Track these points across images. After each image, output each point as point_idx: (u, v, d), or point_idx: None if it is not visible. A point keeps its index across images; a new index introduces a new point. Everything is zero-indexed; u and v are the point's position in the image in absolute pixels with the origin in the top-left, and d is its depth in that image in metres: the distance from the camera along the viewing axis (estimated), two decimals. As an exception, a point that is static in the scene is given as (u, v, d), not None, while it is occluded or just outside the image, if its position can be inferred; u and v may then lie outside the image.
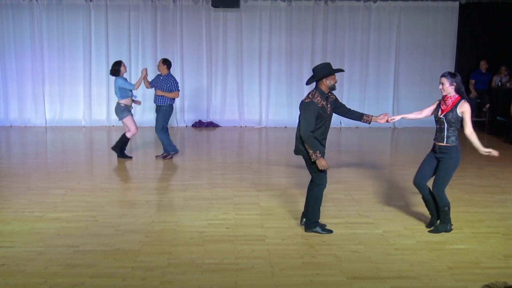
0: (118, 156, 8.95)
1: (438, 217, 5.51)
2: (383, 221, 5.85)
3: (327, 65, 5.27)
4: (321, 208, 5.53)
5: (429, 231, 5.52)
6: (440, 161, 5.34)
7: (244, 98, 13.28)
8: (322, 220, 5.70)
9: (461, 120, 5.23)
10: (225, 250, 4.99)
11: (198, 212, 6.11)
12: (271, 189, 7.18)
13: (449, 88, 5.21)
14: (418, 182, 5.49)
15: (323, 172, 5.28)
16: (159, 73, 9.07)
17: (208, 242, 5.18)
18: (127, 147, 9.15)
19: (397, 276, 4.46)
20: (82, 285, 4.25)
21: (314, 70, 5.29)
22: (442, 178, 5.34)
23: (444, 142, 5.26)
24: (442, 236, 5.38)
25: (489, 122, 12.44)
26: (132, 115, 8.92)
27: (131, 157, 9.02)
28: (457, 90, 5.22)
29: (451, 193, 6.97)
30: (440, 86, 5.26)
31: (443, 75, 5.25)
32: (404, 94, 13.30)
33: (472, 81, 12.75)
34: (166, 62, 9.01)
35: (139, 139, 10.70)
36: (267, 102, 13.25)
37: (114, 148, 8.96)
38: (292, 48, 13.09)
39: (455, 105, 5.20)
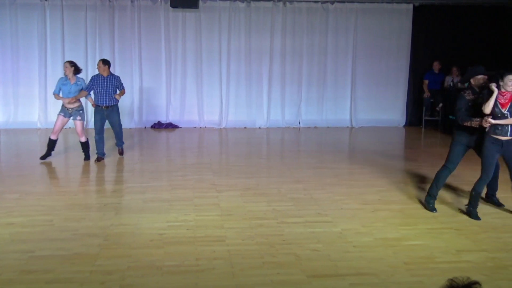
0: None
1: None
2: (342, 219, 5.96)
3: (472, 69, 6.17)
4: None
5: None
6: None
7: (204, 98, 13.23)
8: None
9: None
10: (186, 251, 4.98)
11: (158, 214, 6.07)
12: (231, 189, 7.19)
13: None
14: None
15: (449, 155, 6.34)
16: (97, 74, 8.84)
17: (168, 244, 5.16)
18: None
19: (356, 273, 4.56)
20: (38, 291, 4.16)
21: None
22: None
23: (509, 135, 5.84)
24: (398, 233, 5.54)
25: (441, 121, 12.85)
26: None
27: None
28: None
29: (407, 191, 7.18)
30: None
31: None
32: (361, 94, 13.55)
33: (426, 81, 13.12)
34: (108, 63, 8.85)
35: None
36: (227, 103, 13.24)
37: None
38: (251, 48, 13.12)
39: None
